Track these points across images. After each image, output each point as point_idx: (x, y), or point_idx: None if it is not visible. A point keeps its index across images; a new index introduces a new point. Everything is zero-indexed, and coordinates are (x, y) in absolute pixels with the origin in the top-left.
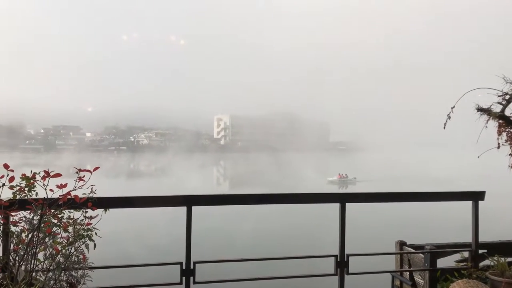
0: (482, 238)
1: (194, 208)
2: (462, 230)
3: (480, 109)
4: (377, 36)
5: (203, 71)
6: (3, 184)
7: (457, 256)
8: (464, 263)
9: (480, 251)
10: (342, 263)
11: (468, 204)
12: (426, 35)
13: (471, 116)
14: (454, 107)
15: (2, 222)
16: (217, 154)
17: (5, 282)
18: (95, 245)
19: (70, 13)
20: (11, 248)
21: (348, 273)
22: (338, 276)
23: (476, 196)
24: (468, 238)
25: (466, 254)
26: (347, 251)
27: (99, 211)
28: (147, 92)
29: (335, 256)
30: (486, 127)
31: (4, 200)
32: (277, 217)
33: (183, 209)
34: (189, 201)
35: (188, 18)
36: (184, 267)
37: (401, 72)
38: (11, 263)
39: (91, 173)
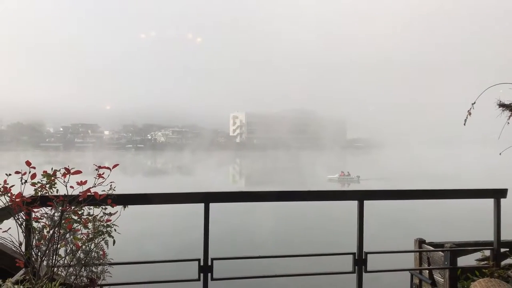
0: (504, 237)
1: (211, 205)
2: (482, 228)
3: (502, 105)
4: (395, 33)
5: (219, 69)
6: (25, 181)
7: (478, 255)
8: (486, 262)
9: (502, 250)
10: (360, 261)
11: (489, 202)
12: (444, 30)
13: (492, 113)
14: (475, 103)
15: (24, 218)
16: (233, 152)
17: (27, 277)
18: (114, 242)
19: (89, 13)
20: (33, 244)
21: (366, 271)
22: (356, 273)
23: (498, 194)
24: (489, 236)
25: (487, 252)
26: (365, 249)
27: (118, 207)
28: (164, 90)
29: (353, 253)
30: (508, 123)
31: (27, 196)
32: (294, 215)
33: (200, 207)
34: (206, 198)
35: (205, 16)
36: (202, 263)
37: (419, 68)
38: (33, 259)
39: (110, 170)
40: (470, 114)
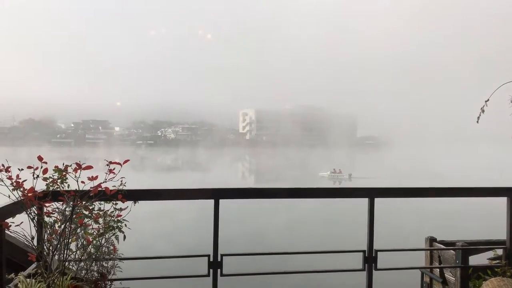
0: None
1: (221, 202)
2: (494, 227)
3: None
4: (407, 31)
5: (229, 66)
6: (37, 176)
7: (490, 254)
8: (498, 261)
9: None
10: (370, 259)
11: (502, 200)
12: (460, 23)
13: (506, 110)
14: (488, 100)
15: (36, 212)
16: (243, 149)
17: (39, 271)
18: (124, 237)
19: (99, 11)
20: (45, 238)
21: (376, 269)
22: (366, 271)
23: (511, 192)
24: (501, 235)
25: (499, 251)
26: (375, 247)
27: (129, 203)
28: (174, 86)
29: (363, 251)
30: None
31: (39, 191)
32: (303, 212)
33: (210, 204)
34: (216, 194)
35: (215, 12)
36: (211, 259)
37: (431, 67)
38: (45, 253)
39: (121, 165)
40: (483, 111)
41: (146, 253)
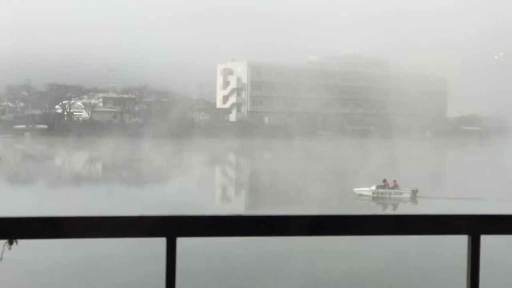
0: None
1: (180, 241)
2: None
3: None
4: None
5: None
6: None
7: None
8: None
9: None
10: None
11: None
12: None
13: None
14: None
15: None
16: (224, 140)
17: None
18: None
19: None
20: None
21: None
22: None
23: None
24: None
25: None
26: None
27: None
28: (88, 19)
29: None
30: None
31: None
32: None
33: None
34: (171, 228)
35: None
36: None
37: None
38: None
39: None
40: None
41: None
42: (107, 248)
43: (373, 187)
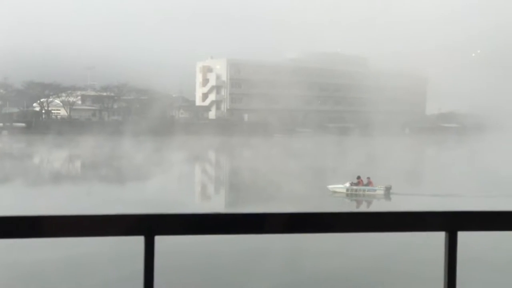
0: None
1: (158, 240)
2: None
3: None
4: None
5: None
6: None
7: None
8: None
9: None
10: None
11: None
12: None
13: None
14: None
15: None
16: (203, 137)
17: None
18: None
19: None
20: None
21: None
22: None
23: None
24: None
25: None
26: None
27: None
28: (68, 22)
29: None
30: None
31: None
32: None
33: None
34: (149, 226)
35: None
36: None
37: None
38: None
39: None
40: None
41: None
42: (85, 247)
43: (347, 184)
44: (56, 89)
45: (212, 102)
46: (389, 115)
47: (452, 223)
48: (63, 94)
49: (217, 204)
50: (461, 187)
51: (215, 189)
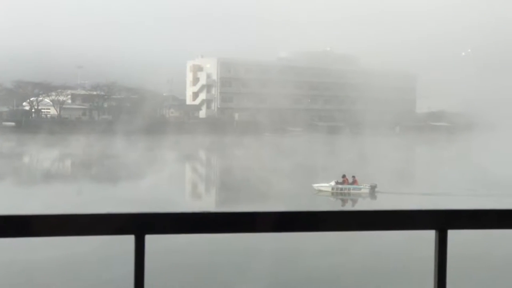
0: None
1: (149, 238)
2: None
3: None
4: None
5: None
6: None
7: None
8: None
9: None
10: None
11: None
12: None
13: None
14: None
15: None
16: (194, 137)
17: None
18: None
19: None
20: None
21: None
22: None
23: None
24: None
25: None
26: None
27: None
28: (58, 21)
29: None
30: None
31: None
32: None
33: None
34: (139, 225)
35: None
36: None
37: None
38: None
39: None
40: None
41: None
42: (77, 247)
43: (332, 183)
44: (46, 88)
45: (202, 101)
46: (379, 113)
47: (442, 221)
48: (53, 93)
49: (208, 203)
50: (449, 186)
51: (206, 188)
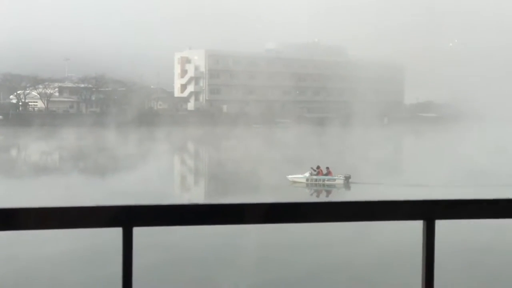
0: None
1: (137, 230)
2: None
3: None
4: None
5: None
6: None
7: None
8: None
9: None
10: None
11: None
12: None
13: None
14: None
15: None
16: (182, 129)
17: None
18: None
19: None
20: None
21: None
22: None
23: None
24: None
25: None
26: None
27: None
28: (45, 13)
29: None
30: None
31: None
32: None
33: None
34: (127, 217)
35: None
36: None
37: None
38: None
39: None
40: None
41: None
42: (66, 238)
43: (307, 174)
44: (33, 81)
45: (190, 93)
46: (368, 104)
47: (429, 211)
48: (40, 86)
49: (197, 194)
50: (431, 177)
51: (195, 180)
